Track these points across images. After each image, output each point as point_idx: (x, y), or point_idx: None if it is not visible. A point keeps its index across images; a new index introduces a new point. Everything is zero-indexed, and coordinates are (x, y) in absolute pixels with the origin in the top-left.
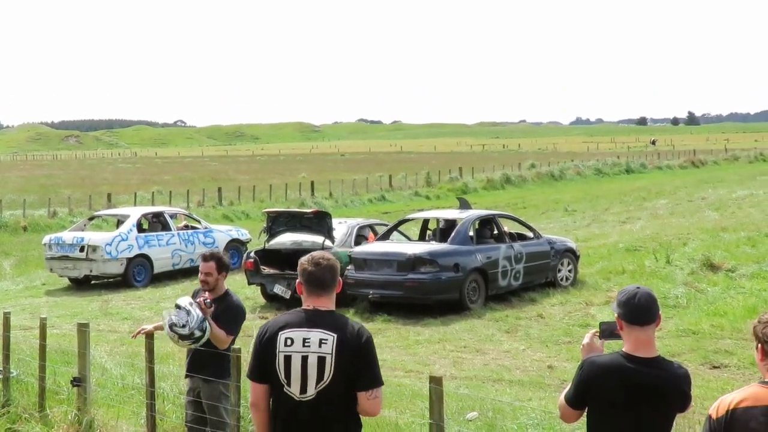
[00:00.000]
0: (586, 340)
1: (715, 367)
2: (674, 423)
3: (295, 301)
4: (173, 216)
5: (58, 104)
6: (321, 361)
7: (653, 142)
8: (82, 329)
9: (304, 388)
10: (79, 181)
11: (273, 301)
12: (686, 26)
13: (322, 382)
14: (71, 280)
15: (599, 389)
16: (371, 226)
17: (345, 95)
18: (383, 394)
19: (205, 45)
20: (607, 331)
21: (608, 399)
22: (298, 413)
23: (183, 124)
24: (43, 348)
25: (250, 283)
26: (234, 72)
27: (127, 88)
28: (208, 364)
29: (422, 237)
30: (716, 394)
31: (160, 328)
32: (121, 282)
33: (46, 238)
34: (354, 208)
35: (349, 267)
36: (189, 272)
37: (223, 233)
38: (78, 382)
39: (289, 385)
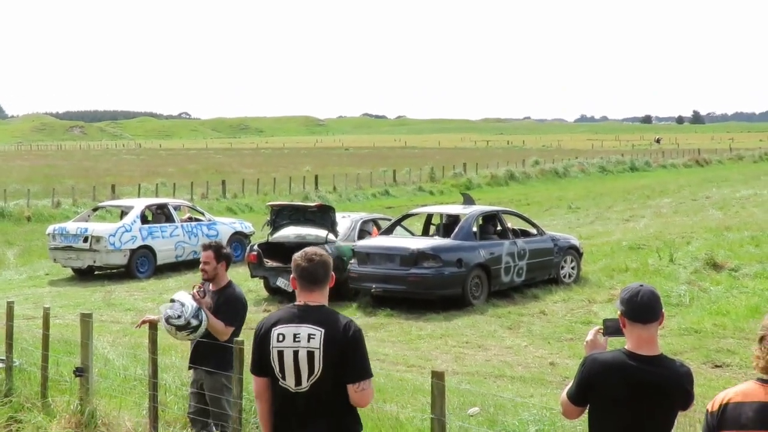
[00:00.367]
0: (589, 337)
1: (717, 366)
2: (676, 421)
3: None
4: (177, 208)
5: (62, 95)
6: (310, 355)
7: (658, 141)
8: (85, 319)
9: (298, 381)
10: (83, 172)
11: (276, 294)
12: (693, 25)
13: (313, 376)
14: (74, 270)
15: (601, 386)
16: (375, 221)
17: (350, 90)
18: (386, 389)
19: (211, 38)
20: (611, 329)
21: (610, 396)
22: (295, 405)
23: (187, 116)
24: (46, 338)
25: (253, 276)
26: (239, 65)
27: (132, 80)
28: (210, 356)
29: (426, 232)
30: (718, 393)
31: None
32: (125, 273)
33: (49, 228)
34: (357, 203)
35: (352, 261)
36: (192, 264)
37: (226, 226)
38: (80, 372)
39: (284, 378)
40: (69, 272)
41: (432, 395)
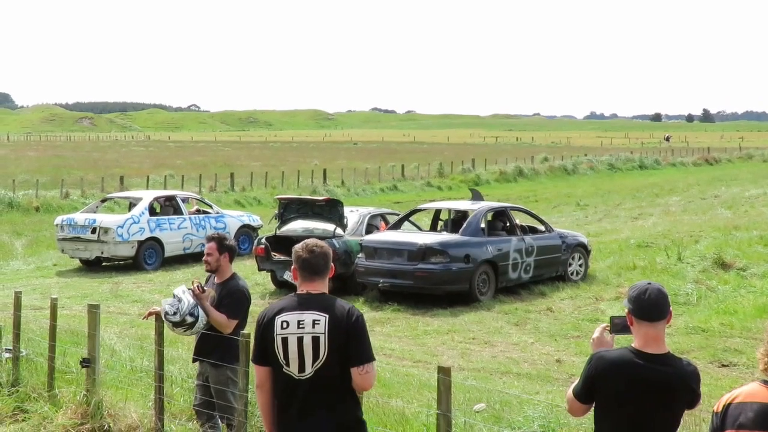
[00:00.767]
0: (596, 335)
1: (724, 366)
2: (682, 420)
3: None
4: (185, 200)
5: (72, 86)
6: (315, 340)
7: (667, 139)
8: (93, 310)
9: (302, 367)
10: (92, 163)
11: (283, 287)
12: (704, 23)
13: (318, 361)
14: (82, 261)
15: (607, 384)
16: (383, 216)
17: (359, 84)
18: (392, 384)
19: (221, 30)
20: (618, 326)
21: (616, 394)
22: (298, 392)
23: (197, 109)
24: (53, 328)
25: (260, 269)
26: (249, 58)
27: (142, 72)
28: (215, 348)
29: (434, 227)
30: (724, 393)
31: None
32: (132, 265)
33: (58, 219)
34: (366, 197)
35: (359, 255)
36: (199, 256)
37: (234, 219)
38: (87, 363)
39: (288, 365)
40: (77, 263)
41: (438, 391)
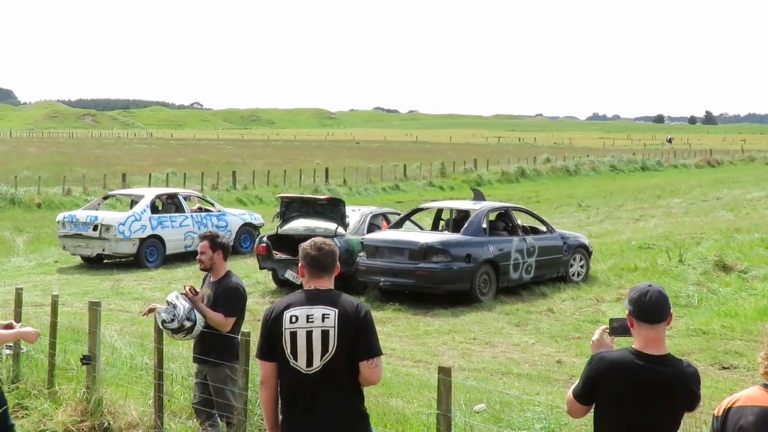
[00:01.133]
0: (596, 336)
1: (724, 368)
2: (682, 422)
3: None
4: (187, 198)
5: (75, 83)
6: (325, 334)
7: (670, 141)
8: (93, 308)
9: (310, 362)
10: (94, 160)
11: (284, 286)
12: (707, 25)
13: (327, 355)
14: (84, 258)
15: (607, 385)
16: (384, 215)
17: (362, 83)
18: (392, 384)
19: (224, 28)
20: (618, 328)
21: (616, 395)
22: (305, 386)
23: (199, 107)
24: (53, 325)
25: (261, 268)
26: (251, 56)
27: (145, 69)
28: (213, 347)
29: (435, 227)
30: (725, 395)
31: None
32: (133, 262)
33: (59, 216)
34: (368, 197)
35: (361, 254)
36: None
37: (236, 217)
38: (87, 360)
39: (295, 359)
40: (78, 260)
41: (438, 391)
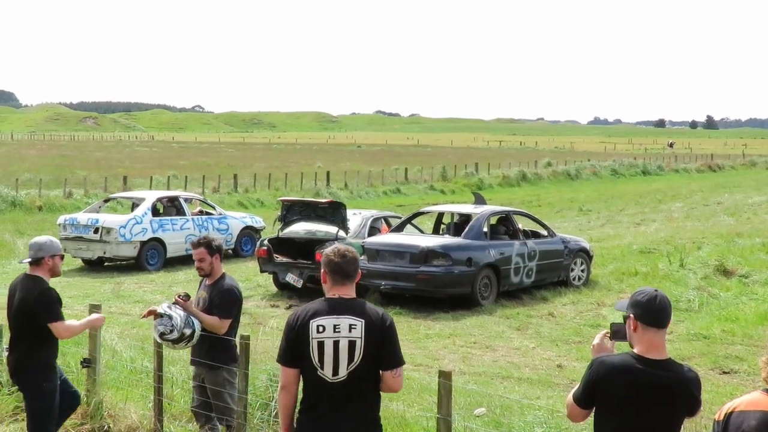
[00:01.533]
0: (596, 341)
1: (725, 373)
2: (682, 427)
3: (306, 291)
4: (188, 201)
5: (76, 85)
6: (351, 344)
7: (671, 145)
8: (94, 310)
9: (336, 371)
10: (95, 163)
11: (284, 289)
12: (708, 30)
13: (352, 364)
14: (84, 261)
15: (608, 389)
16: (385, 219)
17: (363, 87)
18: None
19: (226, 31)
20: (618, 333)
21: (617, 399)
22: (330, 394)
23: (201, 110)
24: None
25: (262, 271)
26: (253, 59)
27: (147, 72)
28: (211, 350)
29: (436, 231)
30: (725, 400)
31: None
32: (134, 265)
33: (60, 219)
34: (369, 200)
35: (361, 257)
36: None
37: (237, 220)
38: (87, 363)
39: (322, 368)
40: (79, 263)
41: (439, 395)
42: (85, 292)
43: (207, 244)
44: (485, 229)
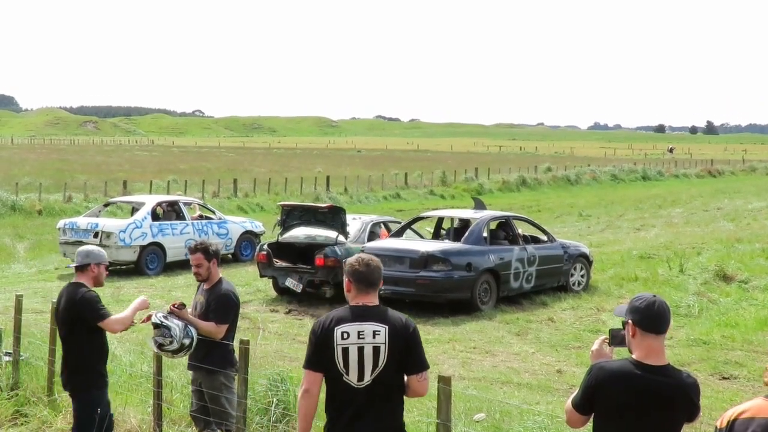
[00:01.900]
0: (595, 347)
1: (724, 378)
2: None
3: (305, 296)
4: (188, 205)
5: (77, 89)
6: (376, 350)
7: (671, 150)
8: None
9: (361, 376)
10: (95, 167)
11: (284, 294)
12: (708, 35)
13: (377, 369)
14: None
15: (607, 395)
16: (385, 223)
17: (363, 92)
18: None
19: (226, 36)
20: (617, 339)
21: (616, 405)
22: (355, 399)
23: (201, 114)
24: (53, 332)
25: (262, 276)
26: (253, 64)
27: (147, 76)
28: (208, 354)
29: (436, 235)
30: (725, 405)
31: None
32: (134, 269)
33: (60, 223)
34: (368, 205)
35: None
36: None
37: (237, 224)
38: None
39: (347, 374)
40: None
41: (438, 400)
42: None
43: (204, 250)
44: (485, 234)
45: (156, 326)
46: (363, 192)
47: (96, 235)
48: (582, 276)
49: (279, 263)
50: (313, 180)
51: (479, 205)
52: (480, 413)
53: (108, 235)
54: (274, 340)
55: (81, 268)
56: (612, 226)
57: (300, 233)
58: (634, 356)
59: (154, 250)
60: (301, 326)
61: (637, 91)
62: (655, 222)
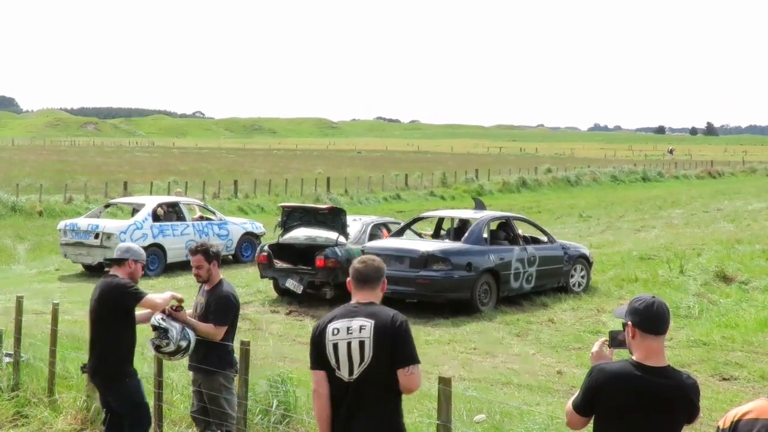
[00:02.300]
0: (595, 348)
1: (724, 379)
2: None
3: (306, 297)
4: (188, 206)
5: (77, 91)
6: (361, 344)
7: (671, 151)
8: None
9: (351, 371)
10: (95, 168)
11: (285, 295)
12: (708, 37)
13: (363, 364)
14: (85, 266)
15: (607, 396)
16: (385, 224)
17: (364, 93)
18: None
19: (227, 37)
20: (617, 341)
21: (616, 406)
22: (348, 393)
23: (201, 116)
24: (54, 333)
25: (262, 277)
26: (253, 65)
27: (147, 78)
28: (207, 355)
29: (436, 235)
30: (725, 406)
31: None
32: None
33: (61, 224)
34: (369, 206)
35: None
36: None
37: (237, 226)
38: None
39: (339, 369)
40: (79, 268)
41: (438, 401)
42: (85, 297)
43: (204, 251)
44: (485, 234)
45: (155, 328)
46: (363, 193)
47: (96, 236)
48: (582, 277)
49: (279, 264)
50: (313, 181)
51: (479, 206)
52: (480, 414)
53: (108, 236)
54: (275, 341)
55: (119, 262)
56: (612, 227)
57: (300, 234)
58: (634, 358)
59: (155, 251)
60: (302, 327)
61: (637, 93)
62: (655, 223)
